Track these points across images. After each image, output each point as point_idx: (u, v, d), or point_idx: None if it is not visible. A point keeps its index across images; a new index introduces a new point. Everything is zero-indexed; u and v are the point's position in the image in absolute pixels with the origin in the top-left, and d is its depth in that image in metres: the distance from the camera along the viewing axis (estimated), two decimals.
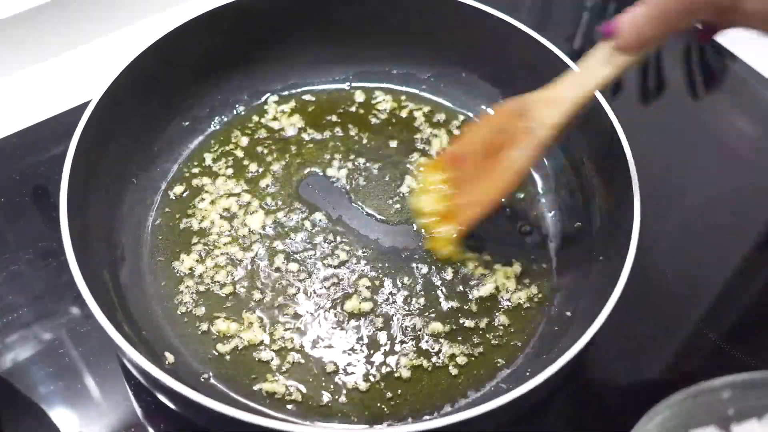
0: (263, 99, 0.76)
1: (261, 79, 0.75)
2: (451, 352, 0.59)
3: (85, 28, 0.82)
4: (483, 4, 0.70)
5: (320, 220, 0.67)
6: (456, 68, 0.76)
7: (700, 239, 0.70)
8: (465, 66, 0.75)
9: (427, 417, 0.56)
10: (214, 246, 0.64)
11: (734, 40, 0.85)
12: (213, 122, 0.73)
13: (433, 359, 0.58)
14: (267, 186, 0.69)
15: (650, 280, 0.65)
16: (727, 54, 0.86)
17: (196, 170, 0.70)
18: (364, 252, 0.65)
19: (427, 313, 0.61)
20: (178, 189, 0.68)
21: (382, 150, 0.73)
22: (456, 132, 0.74)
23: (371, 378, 0.57)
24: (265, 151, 0.72)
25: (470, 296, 0.62)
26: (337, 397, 0.56)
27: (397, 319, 0.61)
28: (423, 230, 0.65)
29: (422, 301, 0.62)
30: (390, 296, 0.62)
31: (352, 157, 0.72)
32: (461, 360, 0.58)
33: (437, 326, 0.60)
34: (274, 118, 0.75)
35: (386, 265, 0.64)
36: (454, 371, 0.58)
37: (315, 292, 0.62)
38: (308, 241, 0.65)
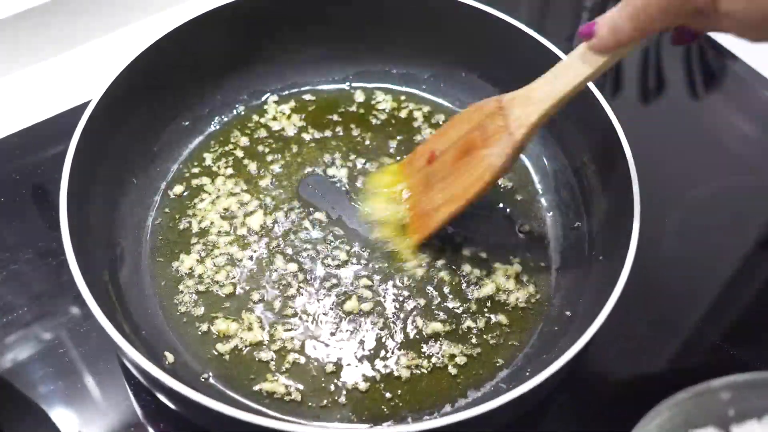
0: (263, 99, 0.76)
1: (261, 79, 0.75)
2: (450, 352, 0.59)
3: (85, 28, 0.82)
4: (483, 4, 0.70)
5: (320, 220, 0.67)
6: (456, 68, 0.76)
7: (700, 239, 0.70)
8: (465, 66, 0.75)
9: (427, 417, 0.56)
10: (214, 246, 0.64)
11: (734, 40, 0.85)
12: (213, 122, 0.73)
13: (433, 359, 0.58)
14: (267, 186, 0.69)
15: (650, 280, 0.65)
16: (727, 54, 0.86)
17: (195, 170, 0.70)
18: (363, 252, 0.65)
19: (426, 314, 0.61)
20: (178, 189, 0.68)
21: (382, 150, 0.73)
22: None
23: (371, 378, 0.57)
24: (265, 151, 0.72)
25: (470, 296, 0.62)
26: (336, 397, 0.56)
27: (397, 320, 0.61)
28: (381, 238, 0.65)
29: (422, 301, 0.62)
30: (389, 296, 0.62)
31: (352, 157, 0.72)
32: (461, 360, 0.58)
33: (437, 326, 0.60)
34: (274, 118, 0.74)
35: (386, 265, 0.64)
36: (453, 371, 0.58)
37: (315, 293, 0.62)
38: (308, 241, 0.65)
